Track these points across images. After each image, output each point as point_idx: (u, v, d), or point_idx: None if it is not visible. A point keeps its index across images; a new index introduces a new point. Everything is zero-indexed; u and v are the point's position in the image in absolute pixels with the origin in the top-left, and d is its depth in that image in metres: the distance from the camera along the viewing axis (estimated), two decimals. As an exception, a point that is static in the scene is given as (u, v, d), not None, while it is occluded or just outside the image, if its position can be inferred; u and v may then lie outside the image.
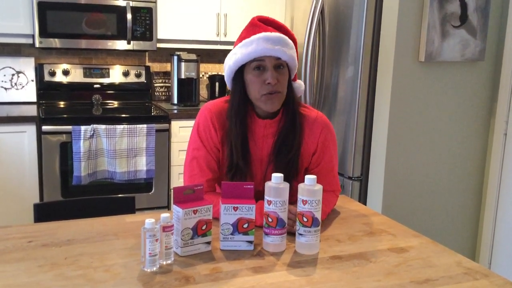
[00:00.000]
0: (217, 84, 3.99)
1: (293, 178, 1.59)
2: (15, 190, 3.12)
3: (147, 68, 3.86)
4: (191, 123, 3.37)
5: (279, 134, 1.60)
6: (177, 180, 3.49)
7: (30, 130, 3.11)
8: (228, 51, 1.68)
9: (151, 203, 3.43)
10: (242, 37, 1.57)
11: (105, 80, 3.73)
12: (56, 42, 3.31)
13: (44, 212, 1.80)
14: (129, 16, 3.40)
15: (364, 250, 1.38)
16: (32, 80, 3.58)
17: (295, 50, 1.59)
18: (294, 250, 1.36)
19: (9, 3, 3.20)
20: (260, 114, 1.63)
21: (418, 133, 2.78)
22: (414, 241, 1.46)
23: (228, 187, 1.36)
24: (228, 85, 1.65)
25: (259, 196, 1.53)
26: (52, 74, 3.59)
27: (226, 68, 1.61)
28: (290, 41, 1.57)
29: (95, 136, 3.15)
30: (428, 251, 1.39)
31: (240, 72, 1.58)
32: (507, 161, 2.80)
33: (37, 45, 3.27)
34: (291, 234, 1.41)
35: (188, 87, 3.78)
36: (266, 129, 1.62)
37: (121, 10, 3.40)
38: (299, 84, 1.69)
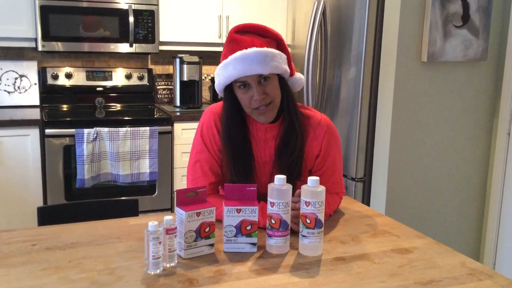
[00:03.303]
0: (219, 86, 3.99)
1: (297, 179, 1.59)
2: (19, 193, 3.13)
3: (150, 71, 3.86)
4: (194, 125, 3.38)
5: (281, 136, 1.60)
6: (180, 182, 3.49)
7: (33, 134, 3.11)
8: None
9: (155, 205, 3.43)
10: (223, 54, 1.55)
11: (107, 83, 3.74)
12: (58, 46, 3.32)
13: (48, 215, 1.80)
14: (131, 19, 3.41)
15: (368, 251, 1.38)
16: (35, 84, 3.59)
17: (280, 56, 1.52)
18: (298, 252, 1.36)
19: (12, 7, 3.21)
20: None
21: (421, 134, 2.77)
22: (418, 242, 1.46)
23: (231, 189, 1.36)
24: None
25: (264, 198, 1.53)
26: (55, 77, 3.59)
27: (216, 88, 1.61)
28: (270, 50, 1.49)
29: (98, 139, 3.16)
30: (432, 252, 1.39)
31: (230, 86, 1.56)
32: (511, 161, 2.79)
33: (39, 48, 3.28)
34: (295, 235, 1.41)
35: (190, 89, 3.79)
36: (267, 132, 1.62)
37: (123, 13, 3.41)
38: (298, 77, 1.64)
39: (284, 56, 1.56)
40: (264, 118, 1.56)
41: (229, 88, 1.56)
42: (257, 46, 1.48)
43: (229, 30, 3.69)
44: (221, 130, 1.60)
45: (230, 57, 1.49)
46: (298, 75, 1.65)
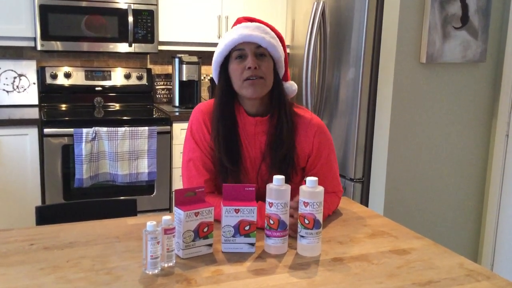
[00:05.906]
0: (218, 86, 3.99)
1: (289, 174, 1.59)
2: (17, 193, 3.13)
3: (149, 71, 3.86)
4: (192, 125, 3.38)
5: (272, 129, 1.60)
6: (179, 182, 3.49)
7: (32, 133, 3.11)
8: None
9: (153, 205, 3.43)
10: None
11: (106, 83, 3.73)
12: (57, 45, 3.31)
13: (46, 214, 1.80)
14: (130, 18, 3.40)
15: (366, 252, 1.38)
16: (34, 83, 3.59)
17: (278, 41, 1.60)
18: (296, 252, 1.36)
19: (11, 6, 3.21)
20: (250, 112, 1.63)
21: (419, 135, 2.77)
22: (416, 243, 1.46)
23: (230, 189, 1.36)
24: (216, 82, 1.68)
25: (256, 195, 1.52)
26: (54, 76, 3.59)
27: (213, 64, 1.65)
28: (271, 32, 1.59)
29: (97, 139, 3.15)
30: (430, 253, 1.39)
31: (225, 66, 1.61)
32: (509, 162, 2.80)
33: (39, 48, 3.27)
34: (293, 236, 1.41)
35: (189, 89, 3.79)
36: (257, 127, 1.62)
37: (122, 13, 3.41)
38: (291, 84, 1.69)
39: (282, 52, 1.62)
40: (253, 91, 1.56)
41: (226, 67, 1.61)
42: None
43: (228, 30, 3.70)
44: (212, 118, 1.62)
45: (234, 27, 1.60)
46: (290, 82, 1.70)
